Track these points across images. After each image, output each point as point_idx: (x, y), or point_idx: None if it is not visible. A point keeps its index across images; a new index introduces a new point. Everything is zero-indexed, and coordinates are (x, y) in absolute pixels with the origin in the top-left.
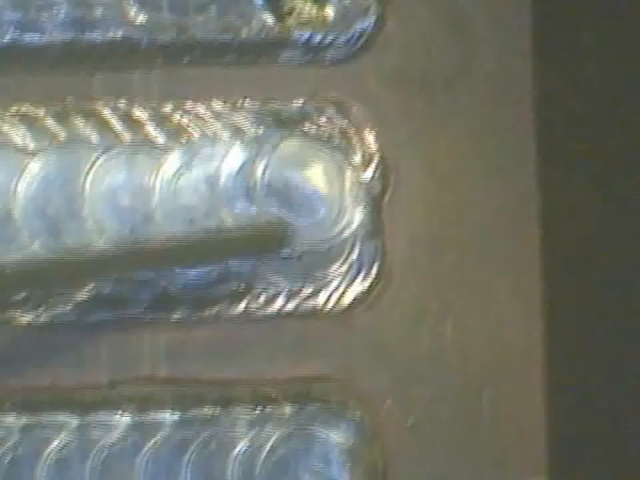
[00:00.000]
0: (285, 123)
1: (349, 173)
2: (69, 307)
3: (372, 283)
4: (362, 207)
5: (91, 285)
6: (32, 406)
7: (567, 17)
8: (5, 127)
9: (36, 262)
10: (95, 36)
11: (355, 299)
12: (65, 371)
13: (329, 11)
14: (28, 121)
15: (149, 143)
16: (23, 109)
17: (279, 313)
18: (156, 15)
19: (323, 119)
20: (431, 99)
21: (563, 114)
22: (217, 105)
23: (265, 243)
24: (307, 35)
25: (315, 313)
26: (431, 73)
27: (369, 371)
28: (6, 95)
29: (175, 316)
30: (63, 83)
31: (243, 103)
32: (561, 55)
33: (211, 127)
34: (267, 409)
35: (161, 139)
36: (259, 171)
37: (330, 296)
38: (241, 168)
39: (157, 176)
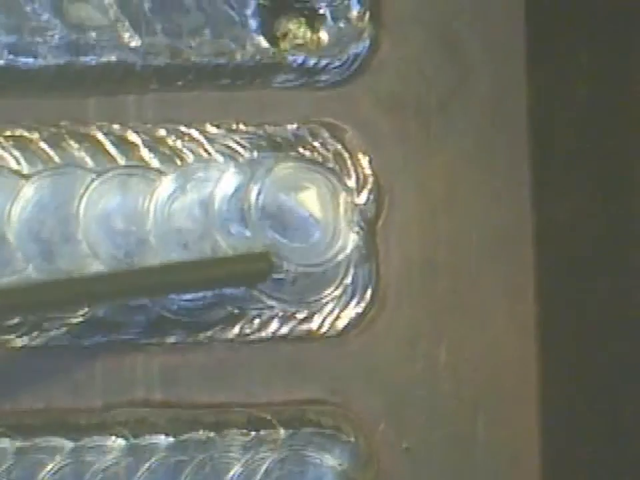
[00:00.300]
0: (279, 147)
1: (343, 197)
2: (63, 330)
3: (366, 306)
4: (356, 231)
5: (85, 309)
6: (26, 429)
7: (561, 41)
8: None
9: (31, 286)
10: (89, 59)
11: (349, 323)
12: (59, 394)
13: (323, 35)
14: (22, 145)
15: (143, 166)
16: (17, 132)
17: (273, 337)
18: (150, 39)
19: (317, 143)
20: (425, 123)
21: (557, 138)
22: (211, 129)
23: (250, 273)
24: (301, 59)
25: (309, 336)
26: (425, 97)
27: (363, 394)
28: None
29: (169, 339)
30: (57, 106)
31: (237, 127)
32: (555, 78)
33: (205, 150)
34: (261, 433)
35: (155, 162)
36: (253, 195)
37: (324, 320)
38: (235, 191)
39: (151, 200)
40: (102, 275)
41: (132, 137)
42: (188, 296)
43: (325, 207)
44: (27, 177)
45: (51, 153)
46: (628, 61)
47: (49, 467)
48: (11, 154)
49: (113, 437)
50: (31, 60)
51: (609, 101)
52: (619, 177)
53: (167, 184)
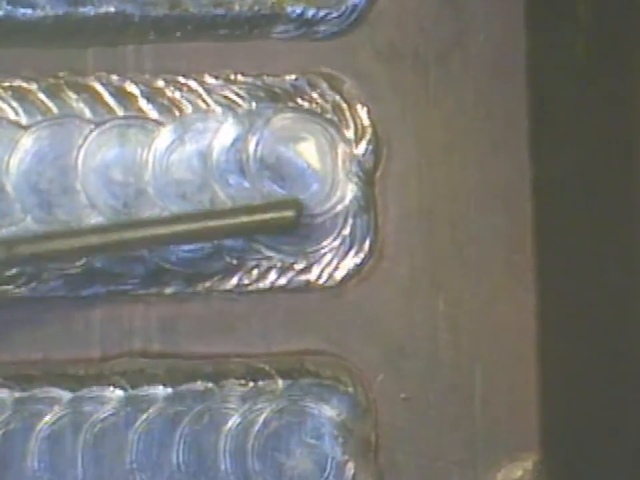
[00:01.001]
0: (278, 98)
1: (341, 148)
2: (61, 281)
3: (364, 257)
4: (354, 182)
5: (83, 259)
6: (24, 380)
7: None
8: None
9: (29, 236)
10: (88, 10)
11: (347, 274)
12: (57, 345)
13: None
14: (20, 95)
15: (141, 117)
16: (16, 83)
17: (272, 287)
18: None
19: (316, 94)
20: (424, 74)
21: (555, 90)
22: (210, 80)
23: (280, 221)
24: (299, 9)
25: (308, 287)
26: (423, 48)
27: (361, 345)
28: None
29: (168, 290)
30: (55, 57)
31: (235, 77)
32: (554, 30)
33: (203, 101)
34: (260, 384)
35: (153, 113)
36: (252, 146)
37: (322, 270)
38: (233, 142)
39: (149, 151)
40: (126, 223)
41: (130, 87)
42: (186, 247)
43: (323, 158)
44: (25, 128)
45: (50, 103)
46: (626, 12)
47: (48, 418)
48: (9, 105)
49: (111, 388)
50: (29, 11)
51: (607, 52)
52: (617, 129)
53: (165, 135)
